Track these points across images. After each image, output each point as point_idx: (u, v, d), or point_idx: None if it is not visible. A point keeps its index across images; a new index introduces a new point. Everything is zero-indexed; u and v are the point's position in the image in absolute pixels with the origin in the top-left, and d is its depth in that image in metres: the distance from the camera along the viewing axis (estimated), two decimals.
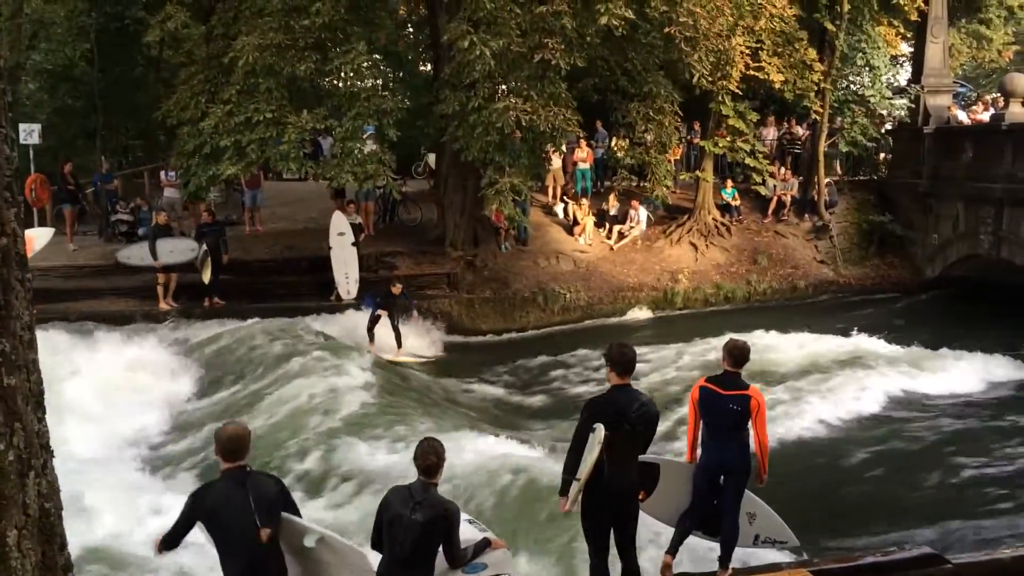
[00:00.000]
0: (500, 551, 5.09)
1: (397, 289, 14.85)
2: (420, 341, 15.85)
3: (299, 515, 4.76)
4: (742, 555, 6.46)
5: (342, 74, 16.61)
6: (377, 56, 19.09)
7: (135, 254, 15.96)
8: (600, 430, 5.17)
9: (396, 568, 4.77)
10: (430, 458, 4.78)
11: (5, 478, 2.59)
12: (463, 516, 5.00)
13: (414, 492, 4.77)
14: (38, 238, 15.48)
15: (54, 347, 11.43)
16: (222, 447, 4.55)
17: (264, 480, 4.67)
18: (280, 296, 16.72)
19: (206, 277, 15.86)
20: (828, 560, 6.76)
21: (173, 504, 7.73)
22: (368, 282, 16.80)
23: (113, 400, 11.51)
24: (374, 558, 4.84)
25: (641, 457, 5.53)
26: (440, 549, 4.77)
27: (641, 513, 5.70)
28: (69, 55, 24.15)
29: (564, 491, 5.35)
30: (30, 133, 17.83)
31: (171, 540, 4.63)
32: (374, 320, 14.86)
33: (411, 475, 4.86)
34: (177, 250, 15.74)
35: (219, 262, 16.06)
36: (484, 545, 5.02)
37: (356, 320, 15.48)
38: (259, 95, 15.66)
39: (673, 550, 6.16)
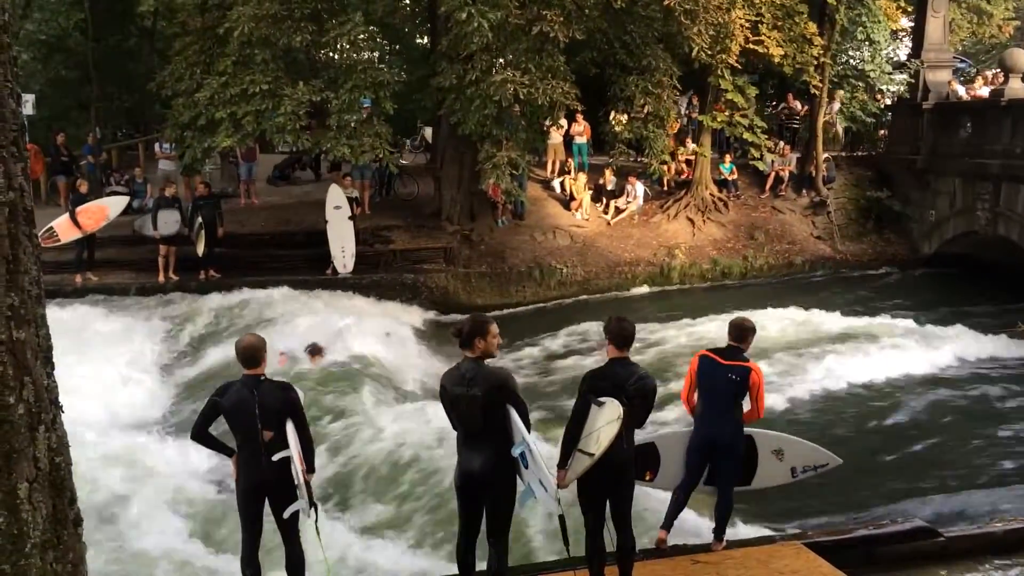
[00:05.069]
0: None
1: None
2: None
3: (305, 425, 5.26)
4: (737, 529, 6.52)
5: (338, 46, 16.48)
6: (374, 28, 18.84)
7: (147, 223, 15.99)
8: (616, 405, 5.09)
9: (473, 442, 5.05)
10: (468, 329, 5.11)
11: (15, 431, 2.60)
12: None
13: (465, 370, 5.04)
14: (112, 207, 15.42)
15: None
16: (239, 356, 5.17)
17: (273, 389, 5.16)
18: (275, 270, 16.65)
19: (200, 250, 15.85)
20: (820, 533, 6.83)
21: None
22: (364, 256, 16.78)
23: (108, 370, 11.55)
24: None
25: (637, 441, 5.51)
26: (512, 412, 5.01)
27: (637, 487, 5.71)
28: (63, 25, 23.91)
29: (563, 463, 5.28)
30: (24, 104, 17.52)
31: (199, 433, 5.21)
32: None
33: None
34: (171, 221, 15.72)
35: (214, 235, 16.05)
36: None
37: None
38: (255, 66, 15.57)
39: (668, 525, 6.22)
